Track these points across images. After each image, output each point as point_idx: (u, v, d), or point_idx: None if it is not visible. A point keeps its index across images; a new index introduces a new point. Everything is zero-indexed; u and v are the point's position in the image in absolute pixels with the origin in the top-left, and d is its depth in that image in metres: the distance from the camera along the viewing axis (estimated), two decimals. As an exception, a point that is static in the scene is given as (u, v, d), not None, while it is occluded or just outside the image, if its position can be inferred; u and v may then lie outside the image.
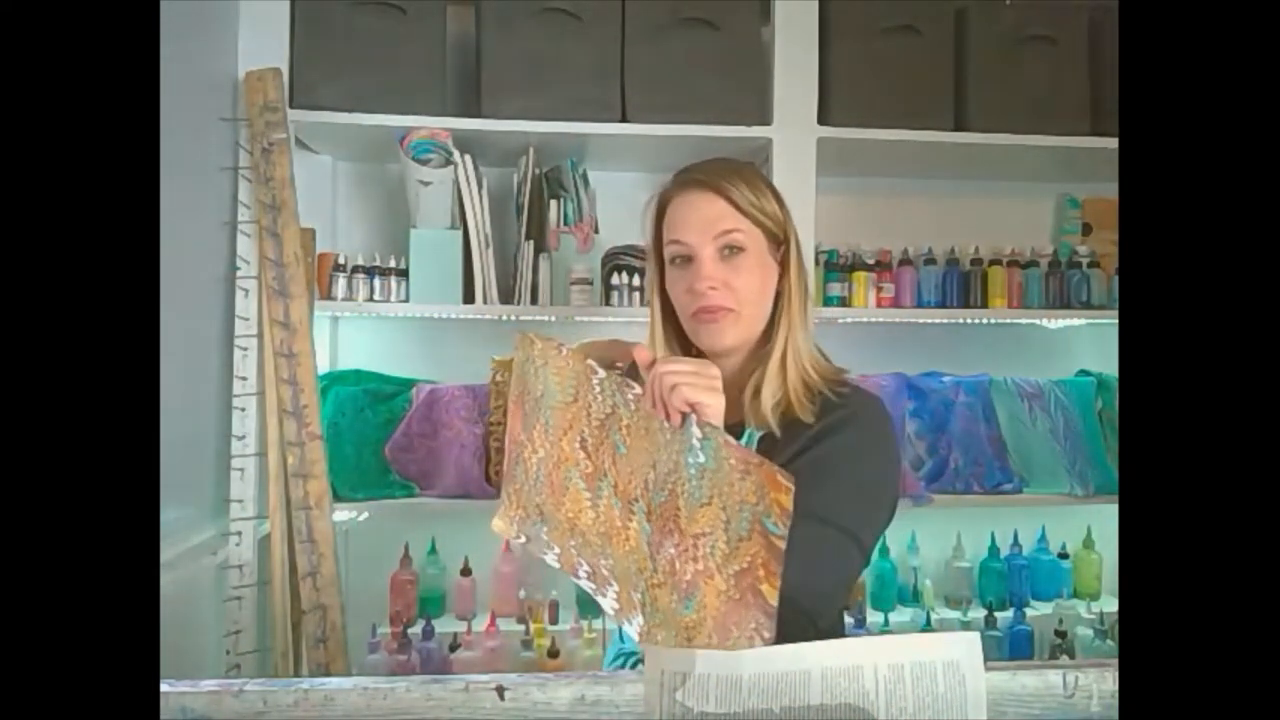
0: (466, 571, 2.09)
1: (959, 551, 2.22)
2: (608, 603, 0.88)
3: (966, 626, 2.09)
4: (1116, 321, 2.03)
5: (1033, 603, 2.17)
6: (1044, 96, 2.00)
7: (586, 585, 0.90)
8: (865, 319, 2.11)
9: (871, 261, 2.09)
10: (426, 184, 1.89)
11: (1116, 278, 2.12)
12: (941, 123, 1.99)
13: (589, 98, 1.90)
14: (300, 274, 1.73)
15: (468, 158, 1.89)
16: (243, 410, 1.73)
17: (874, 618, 2.11)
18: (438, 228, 1.92)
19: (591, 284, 1.98)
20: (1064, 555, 2.24)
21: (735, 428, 0.98)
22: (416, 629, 2.01)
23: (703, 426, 0.81)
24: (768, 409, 0.98)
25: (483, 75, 1.90)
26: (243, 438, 1.72)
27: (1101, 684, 0.62)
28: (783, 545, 0.75)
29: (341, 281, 1.92)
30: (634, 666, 1.03)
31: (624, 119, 1.92)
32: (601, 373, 0.89)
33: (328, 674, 1.69)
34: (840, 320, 2.09)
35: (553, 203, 1.99)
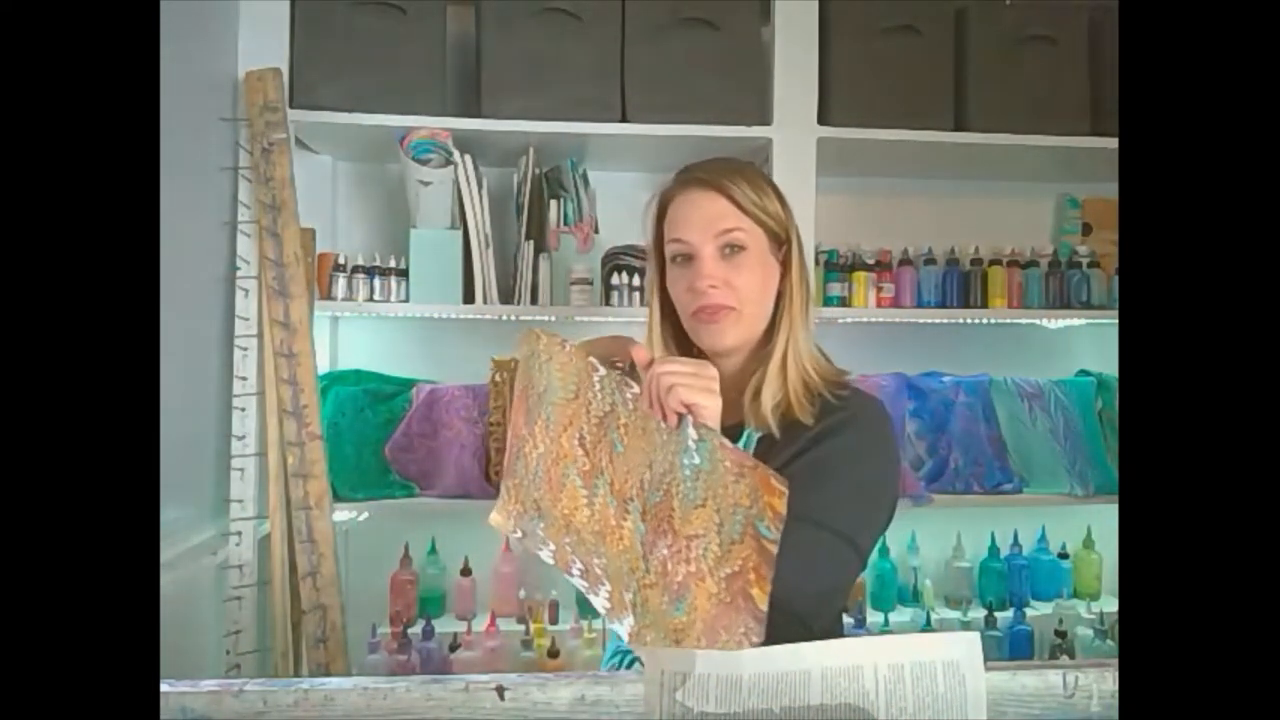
0: (466, 571, 2.09)
1: (959, 551, 2.22)
2: (599, 602, 0.88)
3: (966, 626, 2.09)
4: (1116, 321, 2.03)
5: (1033, 603, 2.17)
6: (1044, 96, 2.00)
7: (579, 584, 0.90)
8: (865, 319, 2.10)
9: (871, 261, 2.09)
10: (426, 184, 1.89)
11: (1116, 278, 2.12)
12: (941, 123, 1.99)
13: (589, 98, 1.90)
14: (300, 274, 1.73)
15: (468, 158, 1.89)
16: (243, 410, 1.73)
17: (874, 618, 2.11)
18: (438, 228, 1.92)
19: (591, 284, 1.98)
20: (1064, 555, 2.24)
21: (735, 428, 0.97)
22: (416, 629, 2.01)
23: (699, 428, 0.81)
24: (768, 410, 0.98)
25: (483, 75, 1.90)
26: (243, 438, 1.72)
27: (1101, 684, 0.62)
28: (774, 549, 0.75)
29: (341, 281, 1.92)
30: (631, 665, 1.03)
31: (624, 119, 1.92)
32: (602, 370, 0.89)
33: (328, 674, 1.69)
34: (840, 320, 2.09)
35: (553, 203, 1.99)
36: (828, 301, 2.03)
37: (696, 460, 0.80)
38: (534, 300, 1.94)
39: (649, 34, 1.90)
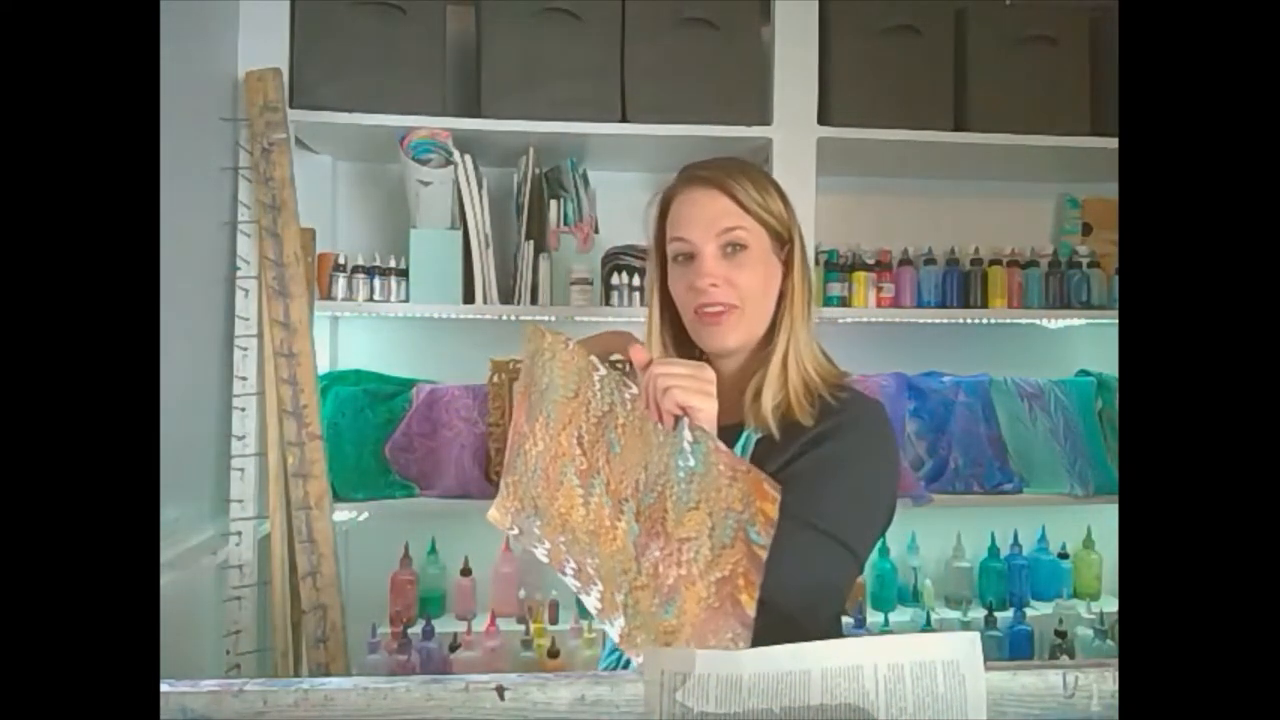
0: (466, 571, 2.09)
1: (959, 551, 2.22)
2: (591, 602, 0.88)
3: (966, 626, 2.09)
4: (1116, 321, 2.03)
5: (1033, 603, 2.17)
6: (1044, 96, 2.00)
7: (572, 583, 0.91)
8: (865, 319, 2.10)
9: (871, 261, 2.09)
10: (426, 184, 1.89)
11: (1116, 278, 2.13)
12: (941, 123, 1.99)
13: (589, 98, 1.90)
14: (300, 274, 1.73)
15: (468, 158, 1.89)
16: (243, 410, 1.73)
17: (874, 618, 2.11)
18: (438, 228, 1.92)
19: (591, 284, 1.98)
20: (1064, 555, 2.24)
21: (734, 428, 0.97)
22: (416, 629, 2.01)
23: (694, 430, 0.81)
24: (768, 411, 0.97)
25: (483, 75, 1.90)
26: (243, 438, 1.72)
27: (1101, 684, 0.62)
28: (764, 555, 0.75)
29: (341, 281, 1.92)
30: (628, 665, 1.03)
31: (624, 119, 1.92)
32: (602, 370, 0.89)
33: (328, 674, 1.69)
34: (840, 320, 2.09)
35: (553, 203, 2.00)
36: (828, 301, 2.03)
37: (691, 463, 0.80)
38: (534, 300, 1.94)
39: (649, 34, 1.90)
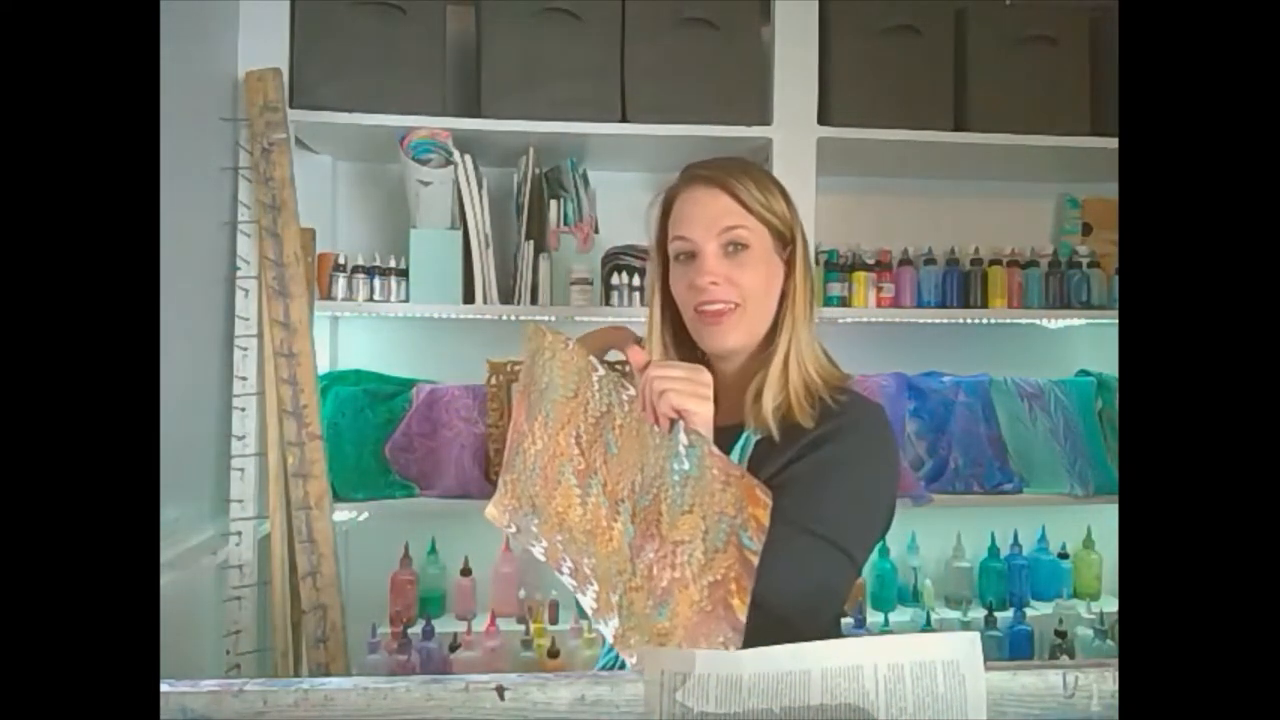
0: (466, 571, 2.09)
1: (959, 551, 2.22)
2: (586, 602, 0.88)
3: (966, 626, 2.09)
4: (1116, 321, 2.03)
5: (1033, 603, 2.17)
6: (1044, 96, 2.00)
7: (568, 582, 0.91)
8: (865, 319, 2.10)
9: (871, 261, 2.09)
10: (426, 184, 1.89)
11: (1116, 278, 2.13)
12: (941, 123, 1.99)
13: (589, 98, 1.90)
14: (300, 274, 1.73)
15: (468, 158, 1.89)
16: (243, 410, 1.73)
17: (874, 618, 2.11)
18: (438, 228, 1.92)
19: (591, 284, 1.98)
20: (1064, 555, 2.24)
21: (734, 429, 0.97)
22: (416, 629, 2.01)
23: (689, 434, 0.81)
24: (768, 411, 0.96)
25: (483, 75, 1.90)
26: (243, 438, 1.72)
27: (1101, 684, 0.62)
28: (756, 560, 0.75)
29: (341, 281, 1.92)
30: (624, 665, 1.04)
31: (624, 119, 1.92)
32: (601, 370, 0.89)
33: (328, 674, 1.69)
34: (840, 320, 2.09)
35: (553, 203, 2.00)
36: (828, 301, 2.03)
37: (686, 466, 0.81)
38: (534, 300, 1.94)
39: (649, 34, 1.90)
